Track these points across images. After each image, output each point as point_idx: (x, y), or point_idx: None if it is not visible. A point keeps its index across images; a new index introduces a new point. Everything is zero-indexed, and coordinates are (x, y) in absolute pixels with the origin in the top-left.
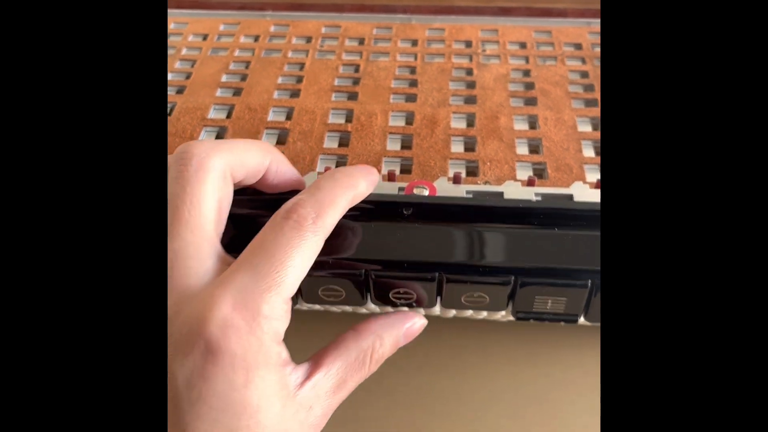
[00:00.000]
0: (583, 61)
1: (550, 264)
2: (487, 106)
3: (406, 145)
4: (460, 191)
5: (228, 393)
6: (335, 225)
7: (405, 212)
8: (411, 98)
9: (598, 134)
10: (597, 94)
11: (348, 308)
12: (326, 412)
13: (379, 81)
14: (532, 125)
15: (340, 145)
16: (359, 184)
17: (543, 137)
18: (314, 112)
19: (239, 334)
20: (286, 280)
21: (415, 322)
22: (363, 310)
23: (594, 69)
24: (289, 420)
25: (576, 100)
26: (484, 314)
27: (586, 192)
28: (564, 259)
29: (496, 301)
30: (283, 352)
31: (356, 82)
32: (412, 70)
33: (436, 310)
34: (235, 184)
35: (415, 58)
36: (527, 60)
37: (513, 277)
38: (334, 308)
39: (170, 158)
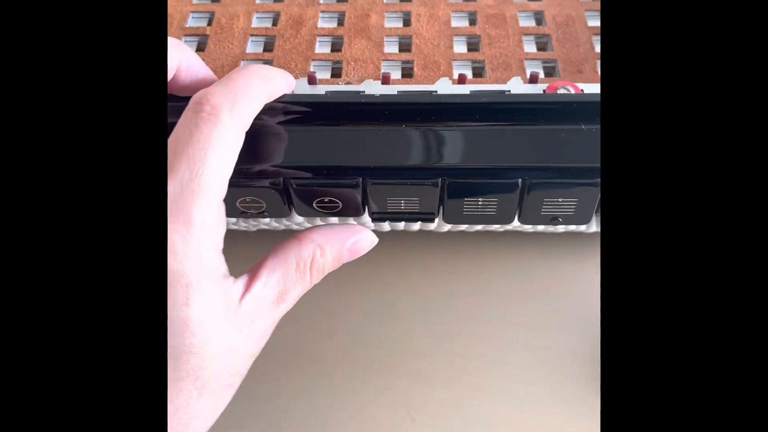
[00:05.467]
0: None
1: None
2: (359, 3)
3: (268, 48)
4: (319, 91)
5: (168, 312)
6: (253, 119)
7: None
8: None
9: (472, 29)
10: None
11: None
12: (270, 325)
13: None
14: (406, 23)
15: (198, 50)
16: (275, 78)
17: (414, 34)
18: (172, 16)
19: (174, 249)
20: (212, 182)
21: (362, 237)
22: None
23: None
24: (234, 334)
25: None
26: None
27: (449, 87)
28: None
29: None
30: (223, 265)
31: None
32: None
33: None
34: None
35: None
36: None
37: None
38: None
39: None
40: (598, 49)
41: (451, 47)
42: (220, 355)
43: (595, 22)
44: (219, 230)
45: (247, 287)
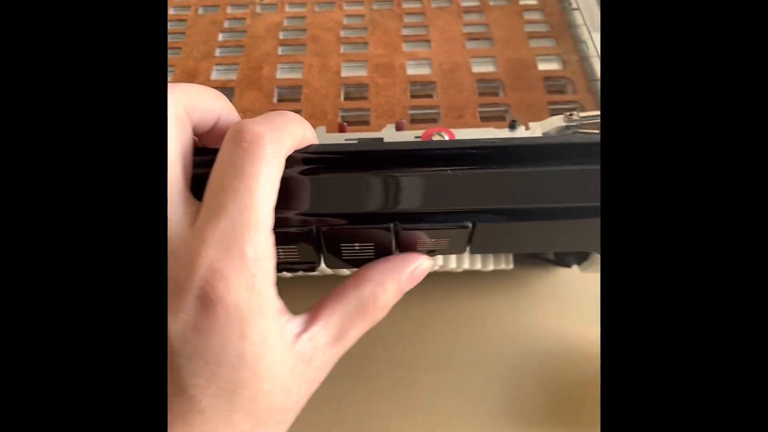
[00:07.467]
0: (362, 3)
1: None
2: (254, 56)
3: None
4: None
5: (223, 346)
6: (287, 155)
7: None
8: (175, 52)
9: (361, 78)
10: (368, 37)
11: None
12: (326, 365)
13: None
14: (297, 73)
15: None
16: (308, 126)
17: (305, 84)
18: None
19: (228, 283)
20: (261, 213)
21: (419, 264)
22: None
23: (371, 12)
24: (289, 372)
25: (346, 45)
26: None
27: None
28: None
29: None
30: (278, 301)
31: None
32: (182, 23)
33: None
34: None
35: (189, 10)
36: (305, 7)
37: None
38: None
39: None
40: (479, 94)
41: (339, 96)
42: (274, 392)
43: (480, 68)
44: (270, 261)
45: (306, 327)
